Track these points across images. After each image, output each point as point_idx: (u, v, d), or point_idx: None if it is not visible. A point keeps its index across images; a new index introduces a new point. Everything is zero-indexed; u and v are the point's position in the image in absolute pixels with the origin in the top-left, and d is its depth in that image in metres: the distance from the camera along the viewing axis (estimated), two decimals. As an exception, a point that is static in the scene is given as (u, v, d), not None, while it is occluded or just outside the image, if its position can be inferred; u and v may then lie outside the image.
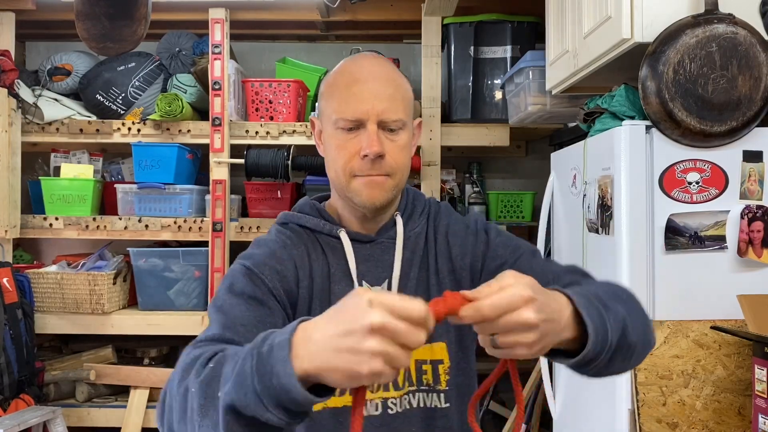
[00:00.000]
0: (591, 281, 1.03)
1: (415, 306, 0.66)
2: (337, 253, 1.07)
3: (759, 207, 1.64)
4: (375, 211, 1.06)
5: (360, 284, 1.06)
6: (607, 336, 0.83)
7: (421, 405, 1.05)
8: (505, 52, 2.92)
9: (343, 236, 1.07)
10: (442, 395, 1.06)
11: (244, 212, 3.03)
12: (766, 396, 1.44)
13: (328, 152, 1.07)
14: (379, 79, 1.02)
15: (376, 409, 1.03)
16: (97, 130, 2.89)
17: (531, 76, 2.50)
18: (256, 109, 2.92)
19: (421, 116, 2.88)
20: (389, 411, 1.03)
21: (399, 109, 1.02)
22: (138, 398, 2.82)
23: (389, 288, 1.06)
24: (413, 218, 1.12)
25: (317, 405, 0.72)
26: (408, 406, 1.04)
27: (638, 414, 1.59)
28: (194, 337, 0.92)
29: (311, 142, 2.88)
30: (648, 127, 1.67)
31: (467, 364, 1.09)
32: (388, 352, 0.64)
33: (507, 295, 0.72)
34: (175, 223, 2.85)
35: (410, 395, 1.05)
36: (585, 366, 0.85)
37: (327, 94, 1.06)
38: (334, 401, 1.01)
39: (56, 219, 2.86)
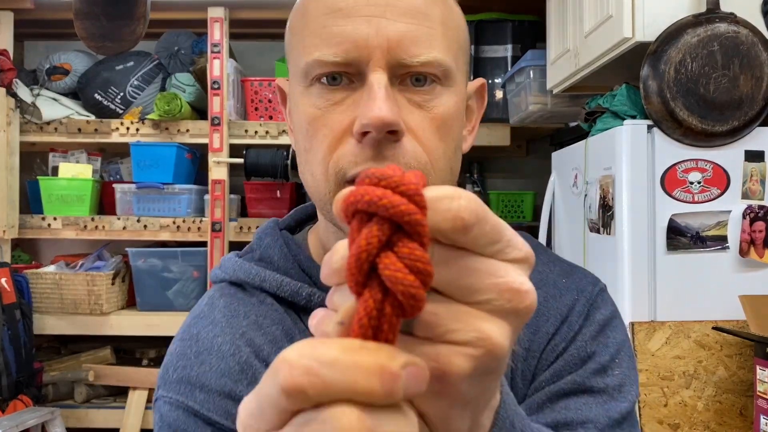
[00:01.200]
0: None
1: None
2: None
3: (761, 207, 1.63)
4: None
5: None
6: None
7: None
8: (505, 51, 2.91)
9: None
10: None
11: (244, 212, 3.02)
12: (767, 397, 1.44)
13: (298, 134, 0.59)
14: None
15: None
16: (96, 129, 2.88)
17: (532, 76, 2.49)
18: (256, 109, 2.91)
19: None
20: None
21: (434, 41, 0.53)
22: (137, 399, 2.81)
23: None
24: None
25: None
26: None
27: (639, 415, 1.59)
28: None
29: (311, 141, 2.87)
30: (649, 127, 1.67)
31: None
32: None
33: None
34: (173, 223, 2.84)
35: None
36: None
37: (297, 29, 0.61)
38: None
39: (54, 219, 2.85)
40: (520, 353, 0.63)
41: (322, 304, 0.57)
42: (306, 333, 0.59)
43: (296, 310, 0.61)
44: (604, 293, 0.69)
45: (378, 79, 0.52)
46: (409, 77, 0.54)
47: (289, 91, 0.62)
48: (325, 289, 0.48)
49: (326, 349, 0.27)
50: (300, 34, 0.59)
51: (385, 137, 0.51)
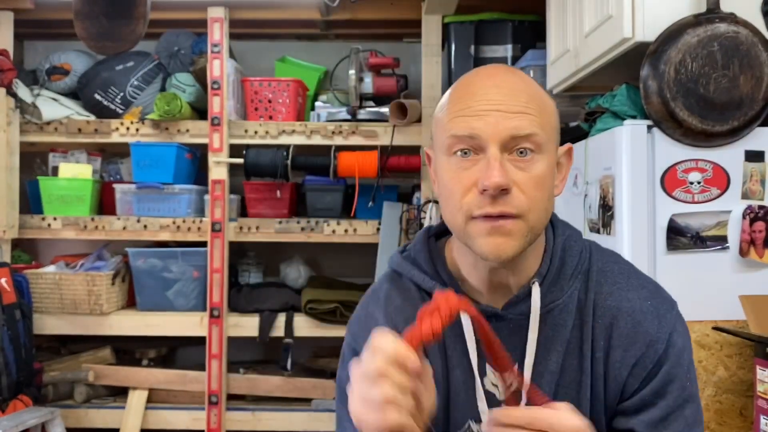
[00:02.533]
0: None
1: (386, 344, 0.68)
2: (455, 326, 0.84)
3: (761, 207, 1.63)
4: (503, 265, 0.82)
5: (482, 374, 0.84)
6: None
7: None
8: (505, 51, 2.91)
9: (464, 319, 0.83)
10: None
11: (243, 212, 3.02)
12: (767, 397, 1.44)
13: (441, 188, 0.83)
14: (505, 88, 0.79)
15: None
16: (96, 129, 2.88)
17: (532, 76, 2.49)
18: (256, 109, 2.91)
19: (421, 118, 2.87)
20: None
21: (534, 124, 0.78)
22: (136, 399, 2.81)
23: (520, 376, 0.83)
24: (559, 283, 0.86)
25: None
26: None
27: (639, 415, 1.59)
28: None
29: (311, 141, 2.87)
30: (649, 127, 1.67)
31: None
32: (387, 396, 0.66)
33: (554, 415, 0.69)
34: (173, 223, 2.84)
35: None
36: None
37: (440, 114, 0.84)
38: None
39: (54, 219, 2.85)
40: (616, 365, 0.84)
41: None
42: None
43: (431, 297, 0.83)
44: (679, 318, 0.90)
45: (494, 152, 0.77)
46: (516, 150, 0.78)
47: (435, 156, 0.87)
48: (451, 283, 0.88)
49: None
50: (442, 118, 0.83)
51: (499, 193, 0.76)
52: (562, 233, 0.91)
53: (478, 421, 0.84)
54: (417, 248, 0.92)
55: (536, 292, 0.83)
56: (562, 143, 0.88)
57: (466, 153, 0.79)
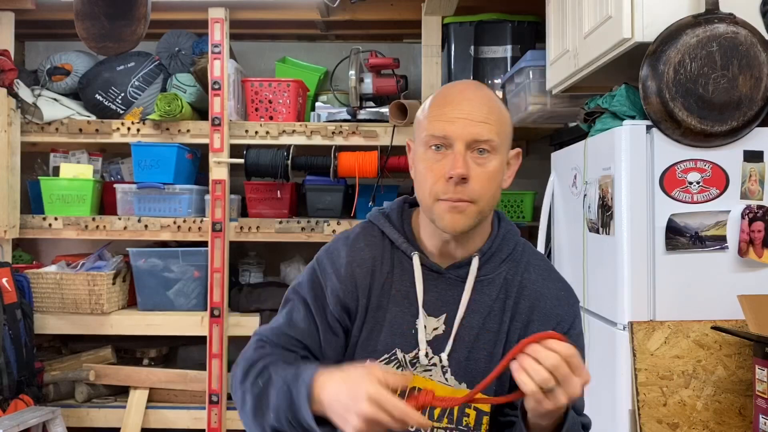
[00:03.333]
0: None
1: (396, 408, 0.85)
2: (405, 273, 1.08)
3: (760, 207, 1.63)
4: (457, 238, 1.05)
5: (423, 310, 1.07)
6: None
7: None
8: (505, 51, 2.91)
9: (415, 261, 1.07)
10: None
11: (244, 212, 3.03)
12: (766, 396, 1.44)
13: (417, 173, 1.06)
14: (472, 101, 1.02)
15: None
16: (97, 129, 2.89)
17: (531, 76, 2.49)
18: (256, 109, 2.92)
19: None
20: None
21: (491, 131, 1.00)
22: (137, 398, 2.81)
23: (447, 325, 1.06)
24: (492, 261, 1.09)
25: None
26: None
27: (639, 414, 1.59)
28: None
29: (311, 142, 2.88)
30: (648, 127, 1.67)
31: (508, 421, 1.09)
32: (376, 421, 0.85)
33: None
34: (174, 223, 2.85)
35: (445, 431, 1.06)
36: None
37: (421, 116, 1.07)
38: None
39: (55, 219, 2.86)
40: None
41: (406, 251, 1.09)
42: (387, 260, 1.09)
43: (392, 247, 1.11)
44: (579, 311, 1.15)
45: (459, 149, 1.00)
46: (476, 149, 1.01)
47: (415, 147, 1.08)
48: (411, 241, 1.11)
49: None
50: (423, 119, 1.05)
51: (460, 180, 0.99)
52: (505, 227, 1.13)
53: (405, 351, 1.06)
54: (392, 208, 1.15)
55: (475, 262, 1.07)
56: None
57: (438, 148, 1.01)
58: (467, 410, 1.06)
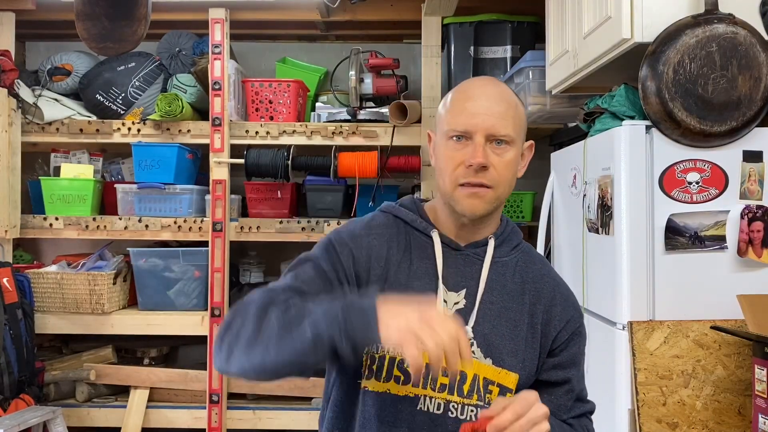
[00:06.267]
0: None
1: (465, 350, 0.90)
2: (424, 252, 1.11)
3: (759, 207, 1.64)
4: (474, 221, 1.10)
5: (443, 285, 1.10)
6: None
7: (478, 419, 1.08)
8: (505, 52, 2.92)
9: (435, 236, 1.12)
10: None
11: (244, 212, 3.03)
12: (766, 396, 1.44)
13: (438, 162, 1.12)
14: (492, 98, 1.08)
15: (438, 409, 1.06)
16: (97, 130, 2.89)
17: (531, 76, 2.50)
18: (256, 109, 2.92)
19: (420, 118, 2.89)
20: (449, 414, 1.07)
21: (508, 126, 1.07)
22: (138, 398, 2.82)
23: (468, 299, 1.10)
24: (505, 246, 1.15)
25: (381, 388, 1.05)
26: (466, 416, 1.07)
27: (638, 414, 1.59)
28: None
29: (311, 142, 2.88)
30: (648, 127, 1.67)
31: None
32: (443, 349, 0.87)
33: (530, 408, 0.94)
34: (175, 223, 2.85)
35: (472, 407, 1.07)
36: None
37: (443, 109, 1.13)
38: (396, 389, 1.06)
39: (56, 219, 2.86)
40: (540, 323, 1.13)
41: (425, 230, 1.13)
42: (402, 241, 1.12)
43: (407, 230, 1.14)
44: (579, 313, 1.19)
45: (479, 140, 1.06)
46: (495, 141, 1.07)
47: (436, 138, 1.14)
48: (428, 221, 1.15)
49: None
50: (445, 112, 1.11)
51: (480, 168, 1.05)
52: (511, 223, 1.20)
53: None
54: (405, 200, 1.21)
55: (491, 243, 1.14)
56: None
57: (459, 138, 1.07)
58: (491, 387, 1.08)
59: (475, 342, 1.07)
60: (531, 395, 0.96)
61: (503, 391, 1.08)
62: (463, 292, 1.10)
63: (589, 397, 1.20)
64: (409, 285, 1.09)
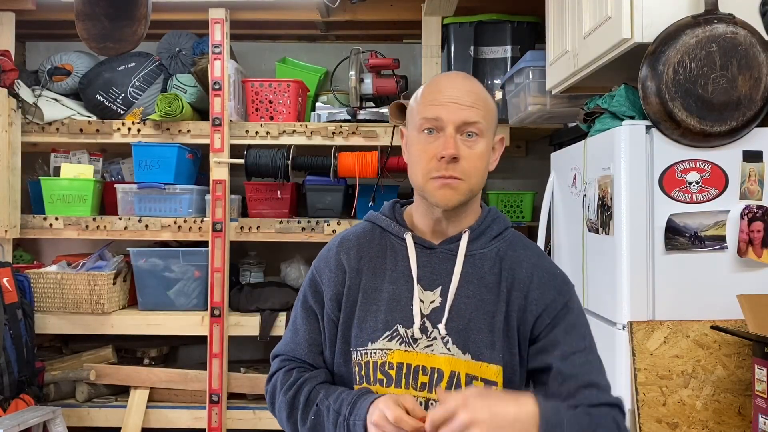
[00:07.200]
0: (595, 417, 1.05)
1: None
2: (399, 255, 1.15)
3: (759, 207, 1.64)
4: (449, 214, 1.13)
5: (419, 285, 1.13)
6: None
7: None
8: (505, 52, 2.92)
9: (408, 238, 1.15)
10: None
11: (244, 212, 3.03)
12: (766, 396, 1.44)
13: (410, 156, 1.15)
14: (461, 89, 1.11)
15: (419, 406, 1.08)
16: (97, 130, 2.89)
17: (531, 76, 2.50)
18: (256, 109, 2.92)
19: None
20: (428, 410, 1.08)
21: (478, 115, 1.09)
22: (138, 398, 2.82)
23: (443, 296, 1.12)
24: (483, 238, 1.16)
25: (381, 389, 1.10)
26: None
27: (638, 414, 1.60)
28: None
29: (311, 142, 2.88)
30: (648, 127, 1.67)
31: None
32: None
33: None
34: (175, 223, 2.85)
35: None
36: None
37: (414, 103, 1.16)
38: (382, 391, 1.11)
39: (56, 219, 2.86)
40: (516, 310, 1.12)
41: (399, 234, 1.17)
42: (378, 246, 1.18)
43: (384, 235, 1.19)
44: (569, 286, 1.18)
45: (450, 132, 1.08)
46: (465, 132, 1.09)
47: (408, 132, 1.18)
48: (403, 224, 1.19)
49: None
50: (417, 105, 1.14)
51: (451, 160, 1.07)
52: (494, 212, 1.20)
53: (406, 326, 1.11)
54: (385, 205, 1.25)
55: (465, 237, 1.14)
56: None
57: (431, 131, 1.10)
58: (474, 382, 1.08)
59: (450, 339, 1.09)
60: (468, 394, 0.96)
61: (488, 384, 1.09)
62: (438, 290, 1.12)
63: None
64: (386, 289, 1.13)
